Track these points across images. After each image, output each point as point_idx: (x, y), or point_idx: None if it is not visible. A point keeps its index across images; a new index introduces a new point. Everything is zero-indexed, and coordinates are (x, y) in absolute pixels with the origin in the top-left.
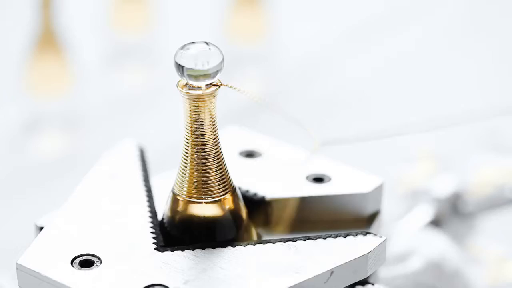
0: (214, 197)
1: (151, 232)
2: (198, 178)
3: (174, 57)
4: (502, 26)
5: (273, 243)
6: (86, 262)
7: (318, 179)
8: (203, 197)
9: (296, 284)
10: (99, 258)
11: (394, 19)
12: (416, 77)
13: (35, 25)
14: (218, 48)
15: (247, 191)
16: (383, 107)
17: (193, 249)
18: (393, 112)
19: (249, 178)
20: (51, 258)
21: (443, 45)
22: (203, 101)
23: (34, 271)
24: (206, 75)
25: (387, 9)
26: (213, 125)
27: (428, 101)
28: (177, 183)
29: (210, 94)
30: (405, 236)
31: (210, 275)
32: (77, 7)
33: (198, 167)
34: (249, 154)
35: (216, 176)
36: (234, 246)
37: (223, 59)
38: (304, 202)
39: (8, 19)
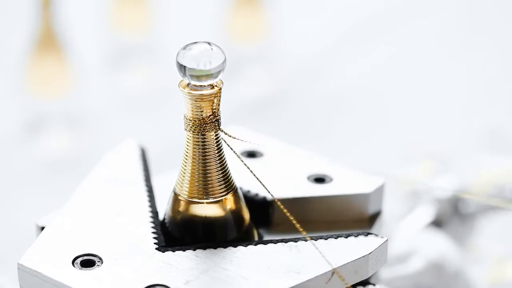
0: (215, 197)
1: (153, 232)
2: (200, 178)
3: (176, 57)
4: (499, 27)
5: (275, 243)
6: (87, 262)
7: (320, 180)
8: (205, 197)
9: (298, 284)
10: (100, 258)
11: (395, 17)
12: (417, 75)
13: (35, 25)
14: (220, 48)
15: (249, 191)
16: (385, 104)
17: (194, 249)
18: (395, 109)
19: (250, 178)
20: (52, 258)
21: (443, 44)
22: (205, 101)
23: (35, 271)
24: (208, 75)
25: (387, 8)
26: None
27: (429, 96)
28: (178, 183)
29: (213, 94)
30: (406, 237)
31: (211, 276)
32: (77, 7)
33: (200, 167)
34: (251, 154)
35: (217, 176)
36: (236, 247)
37: (225, 59)
38: (305, 202)
39: (8, 19)
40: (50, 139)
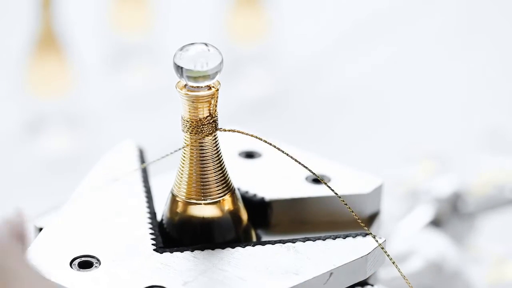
0: (213, 198)
1: (150, 233)
2: (197, 179)
3: (173, 58)
4: (499, 27)
5: (273, 244)
6: (85, 264)
7: (318, 180)
8: (202, 198)
9: (295, 285)
10: (98, 260)
11: (395, 18)
12: (417, 75)
13: (35, 25)
14: (217, 49)
15: (247, 192)
16: (385, 104)
17: (192, 251)
18: (395, 109)
19: (248, 179)
20: (50, 259)
21: (443, 44)
22: (202, 102)
23: None
24: (205, 76)
25: (387, 8)
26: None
27: (429, 96)
28: (176, 184)
29: (210, 95)
30: (405, 237)
31: (209, 277)
32: (77, 7)
33: (197, 168)
34: (249, 155)
35: (215, 177)
36: (233, 248)
37: (222, 60)
38: (303, 203)
39: (8, 19)
40: (50, 139)
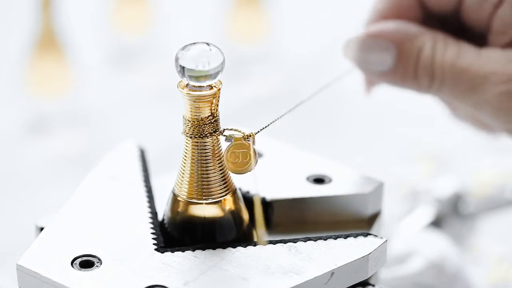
0: (214, 198)
1: (152, 233)
2: (199, 179)
3: (175, 58)
4: None
5: (274, 244)
6: (87, 263)
7: (319, 180)
8: (204, 198)
9: (297, 285)
10: (99, 259)
11: None
12: None
13: (35, 25)
14: (219, 48)
15: (248, 192)
16: (386, 104)
17: (193, 250)
18: (396, 109)
19: (250, 179)
20: (51, 258)
21: None
22: (204, 101)
23: (34, 271)
24: (207, 76)
25: None
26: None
27: (429, 95)
28: (177, 184)
29: (211, 95)
30: (406, 237)
31: (211, 276)
32: (77, 8)
33: (199, 168)
34: None
35: (216, 177)
36: (235, 247)
37: (224, 60)
38: (304, 203)
39: (8, 19)
40: (50, 139)
